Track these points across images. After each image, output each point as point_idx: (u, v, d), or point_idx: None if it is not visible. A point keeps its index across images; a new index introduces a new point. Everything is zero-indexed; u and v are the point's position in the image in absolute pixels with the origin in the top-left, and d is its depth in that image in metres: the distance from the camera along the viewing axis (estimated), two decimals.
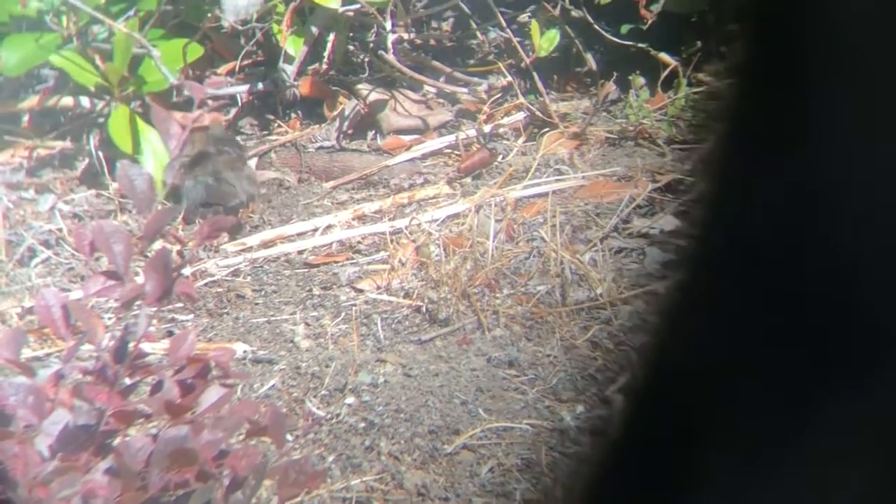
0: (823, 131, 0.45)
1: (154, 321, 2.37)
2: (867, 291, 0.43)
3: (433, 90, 3.20)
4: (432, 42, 3.39)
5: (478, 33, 3.34)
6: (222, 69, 3.17)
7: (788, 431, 0.44)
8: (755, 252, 0.45)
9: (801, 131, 0.45)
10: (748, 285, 0.46)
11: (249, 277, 2.64)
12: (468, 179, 2.93)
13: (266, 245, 2.74)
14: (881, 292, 0.43)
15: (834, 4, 0.44)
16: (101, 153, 2.93)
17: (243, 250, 2.71)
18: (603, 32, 3.11)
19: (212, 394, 1.59)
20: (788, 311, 0.45)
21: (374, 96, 3.15)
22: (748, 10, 0.47)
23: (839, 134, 0.44)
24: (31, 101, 2.99)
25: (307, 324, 2.48)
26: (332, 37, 3.17)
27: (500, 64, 3.18)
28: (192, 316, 2.53)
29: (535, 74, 3.10)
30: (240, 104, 3.16)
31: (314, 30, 3.10)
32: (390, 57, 3.11)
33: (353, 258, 2.67)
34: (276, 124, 3.17)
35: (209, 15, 3.02)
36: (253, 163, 3.05)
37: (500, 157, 2.99)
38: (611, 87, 3.14)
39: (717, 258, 0.47)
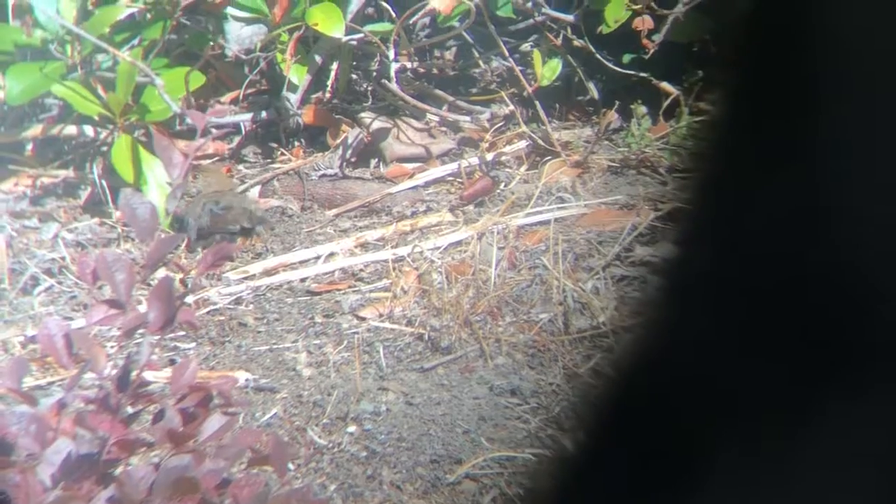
0: (820, 157, 0.45)
1: (156, 350, 2.37)
2: (862, 305, 0.44)
3: (436, 119, 3.20)
4: (435, 71, 3.40)
5: (480, 62, 3.35)
6: (226, 98, 3.19)
7: (788, 441, 0.45)
8: (749, 276, 0.46)
9: (797, 157, 0.45)
10: (743, 307, 0.46)
11: (252, 305, 2.64)
12: (470, 207, 2.93)
13: (268, 273, 2.74)
14: (876, 309, 0.44)
15: (832, 32, 0.45)
16: (104, 182, 2.93)
17: (246, 278, 2.72)
18: (605, 62, 3.12)
19: (214, 422, 1.59)
20: (783, 328, 0.45)
21: (377, 125, 3.16)
22: (746, 40, 0.47)
23: (836, 160, 0.45)
24: (35, 130, 3.00)
25: (309, 352, 2.48)
26: (335, 66, 3.18)
27: (503, 93, 3.19)
28: (194, 344, 2.53)
29: (537, 103, 3.11)
30: (243, 132, 3.17)
31: (318, 59, 3.11)
32: (393, 86, 3.12)
33: (355, 286, 2.67)
34: (279, 152, 3.18)
35: (213, 44, 3.03)
36: (256, 191, 3.06)
37: (503, 185, 3.00)
38: (613, 116, 3.15)
39: (711, 281, 0.47)
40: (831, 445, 0.44)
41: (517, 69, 3.13)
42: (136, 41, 2.97)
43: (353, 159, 3.14)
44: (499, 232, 2.74)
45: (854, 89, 0.44)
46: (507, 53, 3.14)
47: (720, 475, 0.46)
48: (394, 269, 2.66)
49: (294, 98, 3.12)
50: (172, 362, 2.40)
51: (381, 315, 2.55)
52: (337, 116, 3.20)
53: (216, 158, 3.16)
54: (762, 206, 0.46)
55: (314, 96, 3.20)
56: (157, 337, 1.60)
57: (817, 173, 0.45)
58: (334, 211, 3.00)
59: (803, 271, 0.45)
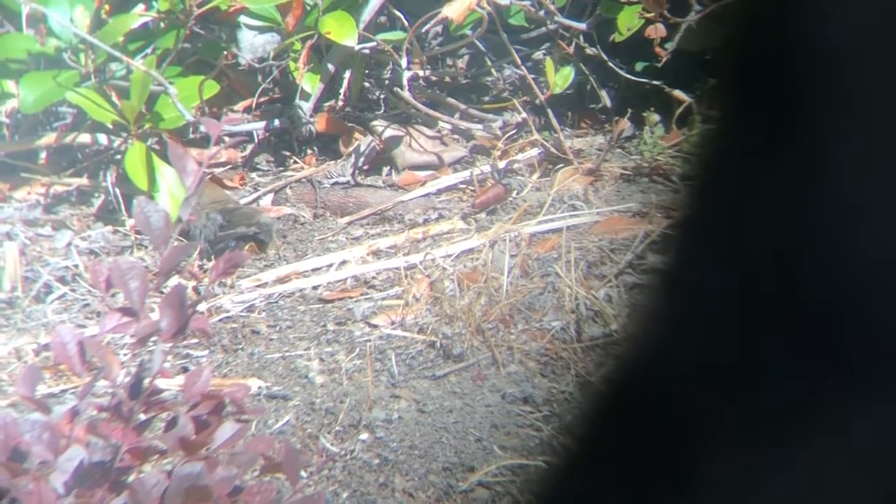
0: (825, 165, 0.45)
1: (169, 357, 2.37)
2: (867, 313, 0.44)
3: (448, 127, 3.21)
4: (447, 79, 3.41)
5: (493, 70, 3.35)
6: (239, 106, 3.19)
7: (795, 447, 0.45)
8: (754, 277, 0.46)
9: (800, 166, 0.45)
10: (746, 313, 0.46)
11: (264, 313, 2.64)
12: (483, 215, 2.94)
13: (281, 281, 2.74)
14: (879, 317, 0.44)
15: (837, 42, 0.45)
16: (117, 190, 2.94)
17: (258, 286, 2.72)
18: (617, 70, 3.12)
19: (226, 430, 1.60)
20: (789, 335, 0.45)
21: (389, 132, 3.17)
22: (751, 49, 0.47)
23: (843, 167, 0.45)
24: (49, 139, 3.01)
25: (322, 359, 2.48)
26: (348, 74, 3.18)
27: (515, 101, 3.19)
28: (207, 352, 2.54)
29: (549, 111, 3.11)
30: (256, 141, 3.18)
31: (330, 67, 3.12)
32: (406, 94, 3.12)
33: (367, 293, 2.67)
34: (291, 160, 3.18)
35: (226, 52, 3.04)
36: (269, 199, 3.07)
37: (515, 192, 3.00)
38: (625, 124, 3.15)
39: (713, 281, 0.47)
40: (837, 451, 0.44)
41: (529, 77, 3.13)
42: (149, 50, 2.98)
43: (365, 167, 3.15)
44: (511, 239, 2.74)
45: (862, 99, 0.44)
46: (519, 61, 3.14)
47: (731, 481, 0.46)
48: (406, 276, 2.66)
49: (307, 106, 3.12)
50: (185, 370, 2.41)
51: (393, 323, 2.55)
52: (349, 124, 3.20)
53: (229, 167, 3.17)
54: (765, 213, 0.46)
55: (327, 104, 3.20)
56: (169, 345, 1.60)
57: (823, 180, 0.45)
58: (346, 219, 3.00)
59: (810, 278, 0.45)
